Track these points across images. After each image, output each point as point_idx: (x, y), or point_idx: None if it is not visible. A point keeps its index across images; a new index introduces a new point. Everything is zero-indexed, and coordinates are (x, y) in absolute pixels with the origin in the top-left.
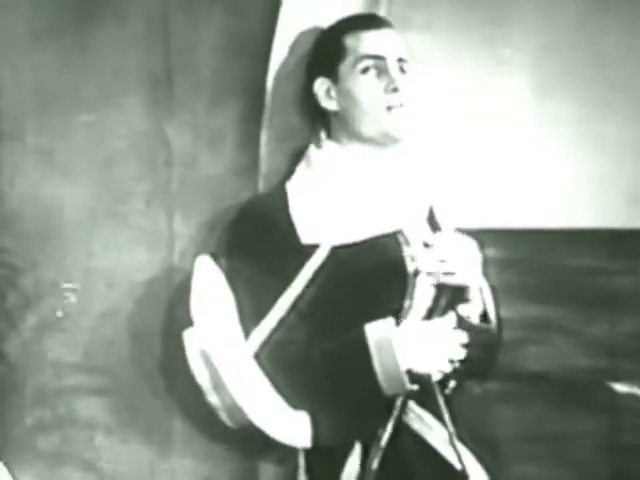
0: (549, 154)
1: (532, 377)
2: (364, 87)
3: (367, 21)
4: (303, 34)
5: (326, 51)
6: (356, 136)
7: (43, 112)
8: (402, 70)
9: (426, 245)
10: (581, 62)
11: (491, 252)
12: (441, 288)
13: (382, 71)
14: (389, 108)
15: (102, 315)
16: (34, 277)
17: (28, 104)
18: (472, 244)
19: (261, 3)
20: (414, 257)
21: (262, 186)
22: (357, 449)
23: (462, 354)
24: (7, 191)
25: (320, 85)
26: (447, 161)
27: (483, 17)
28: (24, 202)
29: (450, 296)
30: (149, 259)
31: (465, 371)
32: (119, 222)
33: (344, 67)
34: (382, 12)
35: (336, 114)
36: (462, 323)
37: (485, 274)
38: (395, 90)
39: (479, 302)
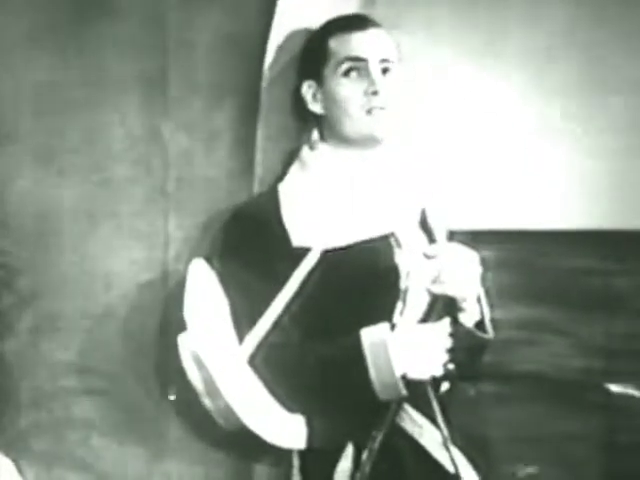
0: (543, 155)
1: (526, 378)
2: (345, 90)
3: (352, 22)
4: (297, 35)
5: (312, 54)
6: (342, 139)
7: (39, 113)
8: (386, 70)
9: (427, 256)
10: (576, 64)
11: (485, 253)
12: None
13: (363, 73)
14: (369, 111)
15: (98, 316)
16: (30, 278)
17: (25, 105)
18: (473, 256)
19: (257, 4)
20: (406, 261)
21: (258, 187)
22: (350, 450)
23: (455, 358)
24: (4, 192)
25: (307, 88)
26: (440, 162)
27: (481, 18)
28: (21, 203)
29: (447, 301)
30: (145, 260)
31: (458, 374)
32: (115, 223)
33: (328, 70)
34: (378, 12)
35: (324, 117)
36: (458, 328)
37: (480, 275)
38: (375, 93)
39: (476, 312)
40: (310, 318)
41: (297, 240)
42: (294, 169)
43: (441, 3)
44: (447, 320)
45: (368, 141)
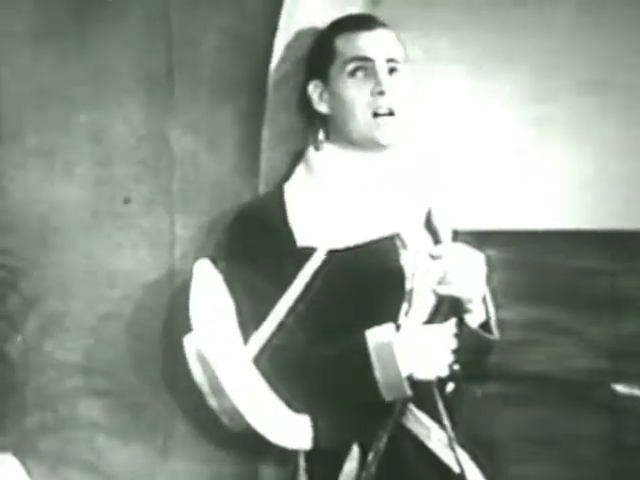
0: (549, 156)
1: (533, 378)
2: (351, 90)
3: (359, 22)
4: (304, 34)
5: (318, 54)
6: (347, 140)
7: (43, 112)
8: (393, 70)
9: (432, 257)
10: (578, 67)
11: (490, 253)
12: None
13: (370, 73)
14: (375, 114)
15: (103, 316)
16: (35, 279)
17: (28, 104)
18: (479, 257)
19: (262, 3)
20: (411, 262)
21: (263, 187)
22: (355, 450)
23: (461, 359)
24: (7, 192)
25: (313, 88)
26: (446, 163)
27: (483, 20)
28: (25, 203)
29: (452, 302)
30: (150, 260)
31: (463, 375)
32: (120, 223)
33: (334, 70)
34: (383, 13)
35: (330, 117)
36: (464, 329)
37: (486, 276)
38: (381, 93)
39: (482, 313)
40: (315, 319)
41: (302, 240)
42: (300, 169)
43: (444, 4)
44: (453, 321)
45: (372, 145)
